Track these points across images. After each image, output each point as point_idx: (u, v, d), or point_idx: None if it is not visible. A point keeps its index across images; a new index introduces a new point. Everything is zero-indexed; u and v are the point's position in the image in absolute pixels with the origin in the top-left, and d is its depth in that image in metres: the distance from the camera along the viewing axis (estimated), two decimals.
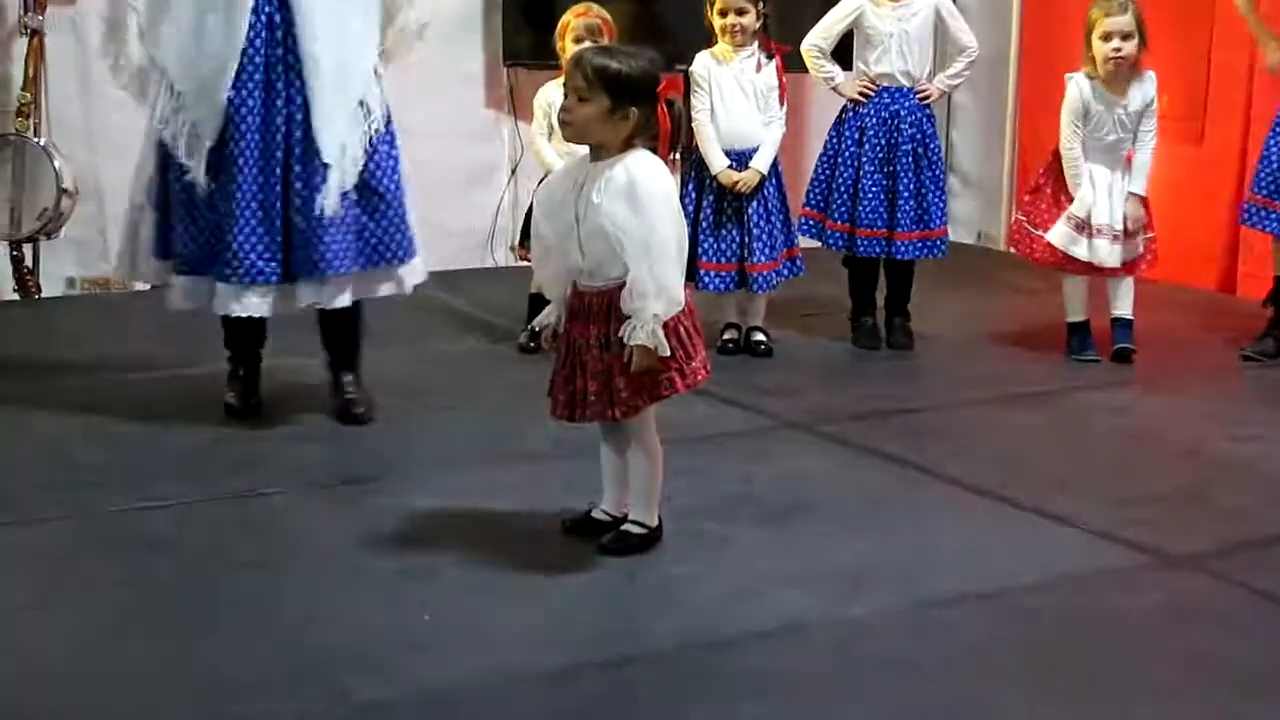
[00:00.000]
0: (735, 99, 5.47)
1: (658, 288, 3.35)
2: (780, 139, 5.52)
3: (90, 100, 6.15)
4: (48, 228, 6.19)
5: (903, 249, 5.61)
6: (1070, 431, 4.73)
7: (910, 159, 5.58)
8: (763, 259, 5.50)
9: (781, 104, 5.50)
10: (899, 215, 5.57)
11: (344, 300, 4.50)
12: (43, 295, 6.33)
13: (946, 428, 4.77)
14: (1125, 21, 5.25)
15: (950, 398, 5.09)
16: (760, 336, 5.63)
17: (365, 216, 4.46)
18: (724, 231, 5.51)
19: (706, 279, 5.50)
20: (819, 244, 5.78)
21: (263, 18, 4.35)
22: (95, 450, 4.36)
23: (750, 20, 5.41)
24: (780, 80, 5.49)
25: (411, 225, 4.57)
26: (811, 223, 5.71)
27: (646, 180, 3.38)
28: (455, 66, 7.05)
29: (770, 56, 5.49)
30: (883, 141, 5.57)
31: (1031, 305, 6.25)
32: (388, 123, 4.53)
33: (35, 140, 6.15)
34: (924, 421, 4.81)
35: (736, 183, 5.44)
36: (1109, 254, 5.34)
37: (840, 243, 5.67)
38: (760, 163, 5.46)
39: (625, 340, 3.39)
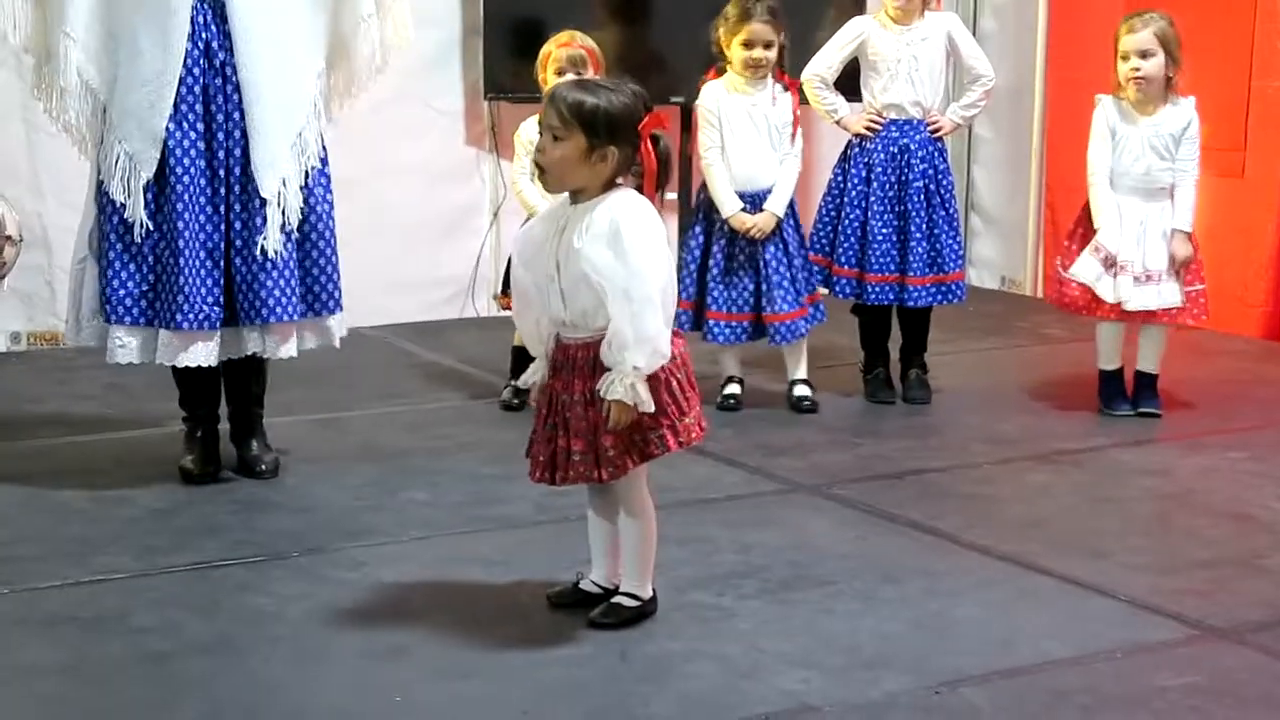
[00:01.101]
0: (748, 135, 5.41)
1: (639, 338, 3.32)
2: (796, 177, 5.47)
3: (36, 140, 6.14)
4: None
5: (916, 295, 5.58)
6: (1103, 493, 4.69)
7: (922, 197, 5.55)
8: (785, 307, 5.44)
9: (794, 140, 5.46)
10: (911, 259, 5.54)
11: (289, 350, 4.53)
12: None
13: (968, 490, 4.73)
14: (1143, 39, 5.23)
15: (971, 457, 5.05)
16: (804, 391, 5.57)
17: (304, 260, 4.49)
18: (735, 279, 5.46)
19: (716, 330, 5.46)
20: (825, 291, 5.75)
21: (199, 44, 4.36)
22: (37, 519, 4.33)
23: (774, 54, 5.36)
24: (795, 114, 5.45)
25: (339, 274, 4.57)
26: (817, 269, 5.66)
27: (631, 222, 3.34)
28: (431, 101, 7.06)
29: (785, 89, 5.44)
30: (892, 179, 5.55)
31: (1059, 355, 6.23)
32: (324, 162, 4.53)
33: None
34: (943, 483, 4.77)
35: (751, 227, 5.40)
36: (1134, 294, 5.27)
37: (848, 290, 5.63)
38: (776, 204, 5.41)
39: (602, 395, 3.35)
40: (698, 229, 5.51)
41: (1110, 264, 5.28)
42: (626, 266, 3.32)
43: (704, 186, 5.50)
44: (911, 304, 5.59)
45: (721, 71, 5.45)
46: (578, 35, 5.44)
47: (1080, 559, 4.04)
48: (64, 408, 5.47)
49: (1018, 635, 3.57)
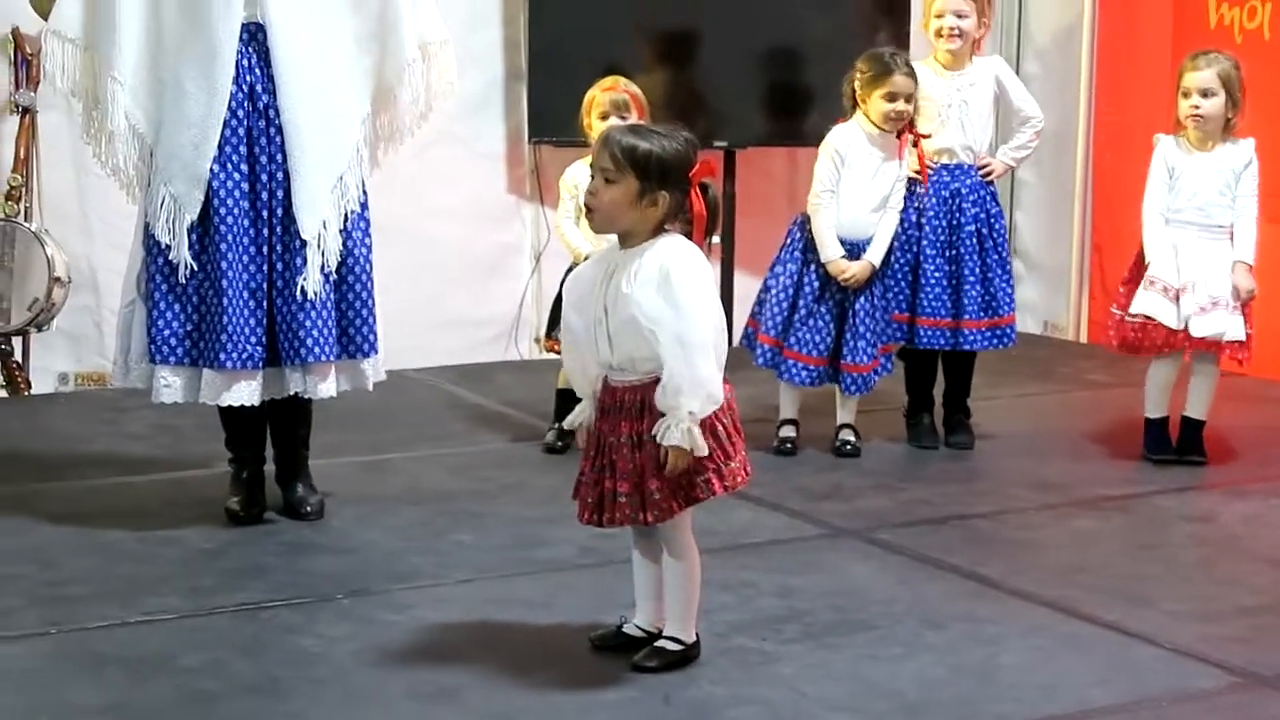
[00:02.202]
0: (864, 184, 5.37)
1: (694, 383, 3.34)
2: (895, 230, 5.45)
3: (86, 183, 6.20)
4: (39, 319, 6.22)
5: (971, 339, 5.57)
6: (1147, 540, 4.68)
7: (975, 240, 5.55)
8: (864, 359, 5.43)
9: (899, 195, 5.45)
10: (965, 302, 5.53)
11: (329, 390, 4.55)
12: (33, 392, 6.36)
13: (1011, 535, 4.72)
14: (1204, 78, 5.23)
15: (1015, 502, 5.04)
16: (850, 437, 5.56)
17: (340, 303, 4.54)
18: (819, 322, 5.42)
19: (794, 370, 5.45)
20: None
21: (243, 87, 4.42)
22: (85, 559, 4.35)
23: (912, 107, 5.35)
24: (921, 161, 5.43)
25: (378, 319, 4.61)
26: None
27: (681, 268, 3.37)
28: (473, 144, 7.10)
29: (914, 144, 5.41)
30: (944, 223, 5.55)
31: (1102, 401, 6.22)
32: (364, 207, 4.57)
33: (26, 225, 6.20)
34: (986, 528, 4.77)
35: (849, 277, 5.36)
36: (1199, 320, 5.20)
37: (899, 335, 5.61)
38: (875, 255, 5.38)
39: (659, 439, 3.37)
40: (791, 267, 5.45)
41: (1168, 293, 5.27)
42: (678, 311, 3.34)
43: (802, 223, 5.45)
44: (967, 347, 5.58)
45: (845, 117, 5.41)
46: (622, 80, 5.48)
47: (1124, 606, 4.03)
48: (112, 448, 5.51)
49: (1061, 682, 3.57)
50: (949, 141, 5.55)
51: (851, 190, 5.38)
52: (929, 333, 5.58)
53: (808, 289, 5.44)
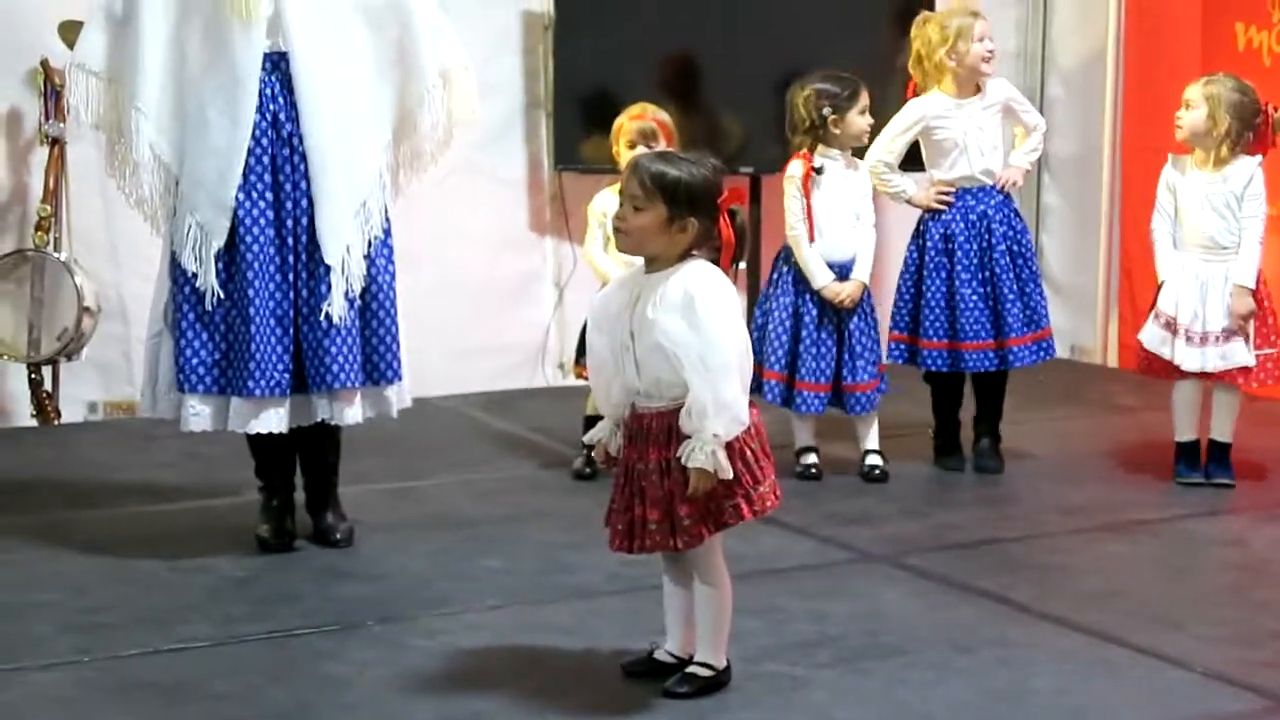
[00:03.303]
0: (837, 207, 5.44)
1: (718, 406, 3.35)
2: (874, 245, 5.51)
3: (114, 213, 6.20)
4: (68, 348, 6.25)
5: (1019, 355, 5.56)
6: (1179, 564, 4.67)
7: (1008, 259, 5.55)
8: (865, 377, 5.47)
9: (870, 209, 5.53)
10: (1008, 320, 5.52)
11: (355, 416, 4.57)
12: (62, 420, 6.38)
13: (1041, 560, 4.71)
14: (1190, 91, 5.31)
15: (1044, 526, 5.03)
16: (877, 460, 5.56)
17: (364, 330, 4.56)
18: (821, 349, 5.46)
19: (807, 401, 5.46)
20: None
21: (267, 115, 4.45)
22: (116, 587, 4.37)
23: None
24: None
25: (402, 346, 4.62)
26: (901, 346, 5.65)
27: (705, 293, 3.39)
28: (493, 172, 7.10)
29: (860, 156, 5.50)
30: (975, 246, 5.54)
31: (1129, 424, 6.20)
32: (387, 234, 4.60)
33: (55, 255, 6.23)
34: (1016, 553, 4.76)
35: (844, 298, 5.41)
36: (1189, 358, 5.27)
37: (942, 362, 5.58)
38: (862, 272, 5.44)
39: (683, 462, 3.38)
40: (785, 300, 5.49)
41: (1170, 326, 5.31)
42: (701, 336, 3.36)
43: (786, 257, 5.52)
44: (1017, 364, 5.57)
45: (813, 150, 5.43)
46: (650, 108, 5.49)
47: (1156, 630, 4.02)
48: (142, 476, 5.53)
49: (1092, 707, 3.56)
50: (968, 169, 5.54)
51: (828, 214, 5.43)
52: (975, 356, 5.56)
53: (807, 319, 5.47)
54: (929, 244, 5.58)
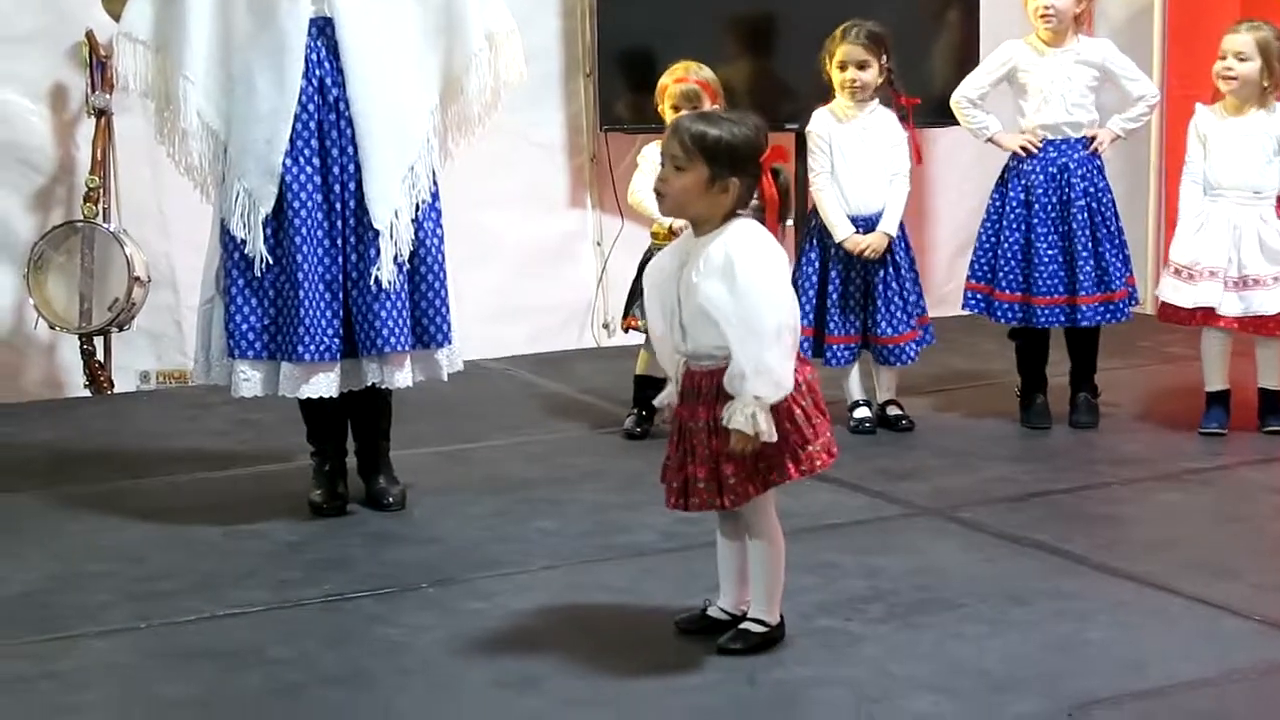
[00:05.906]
0: (858, 159, 5.44)
1: (758, 369, 3.33)
2: (906, 197, 5.49)
3: (163, 183, 6.22)
4: (119, 319, 6.28)
5: (1087, 314, 5.49)
6: (1232, 512, 4.64)
7: (1085, 215, 5.48)
8: (890, 331, 5.46)
9: (911, 161, 5.48)
10: (1080, 277, 5.46)
11: (405, 380, 4.57)
12: (115, 390, 6.41)
13: (1094, 510, 4.69)
14: (1241, 40, 5.25)
15: (1096, 477, 5.01)
16: (897, 411, 5.58)
17: (413, 293, 4.55)
18: (850, 303, 5.48)
19: (837, 354, 5.48)
20: (963, 313, 5.72)
21: (313, 81, 4.45)
22: (172, 554, 4.40)
23: (872, 75, 5.39)
24: (912, 134, 5.48)
25: (451, 309, 4.62)
26: (978, 296, 5.61)
27: (745, 255, 3.37)
28: (532, 132, 7.06)
29: (889, 108, 5.46)
30: (1054, 199, 5.49)
31: (1179, 374, 6.16)
32: (435, 197, 4.59)
33: (105, 226, 6.26)
34: (1069, 504, 4.74)
35: (865, 248, 5.40)
36: (1219, 299, 5.25)
37: (1013, 315, 5.55)
38: (888, 225, 5.43)
39: (724, 423, 3.37)
40: (812, 255, 5.52)
41: (1181, 274, 5.31)
42: (740, 300, 3.34)
43: (814, 212, 5.51)
44: (1084, 324, 5.51)
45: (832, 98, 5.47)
46: (692, 68, 5.45)
47: (1211, 579, 4.00)
48: (195, 444, 5.56)
49: (1149, 657, 3.54)
50: (1051, 119, 5.49)
51: (849, 169, 5.43)
52: (1045, 311, 5.51)
53: (833, 272, 5.48)
54: (1011, 194, 5.54)
